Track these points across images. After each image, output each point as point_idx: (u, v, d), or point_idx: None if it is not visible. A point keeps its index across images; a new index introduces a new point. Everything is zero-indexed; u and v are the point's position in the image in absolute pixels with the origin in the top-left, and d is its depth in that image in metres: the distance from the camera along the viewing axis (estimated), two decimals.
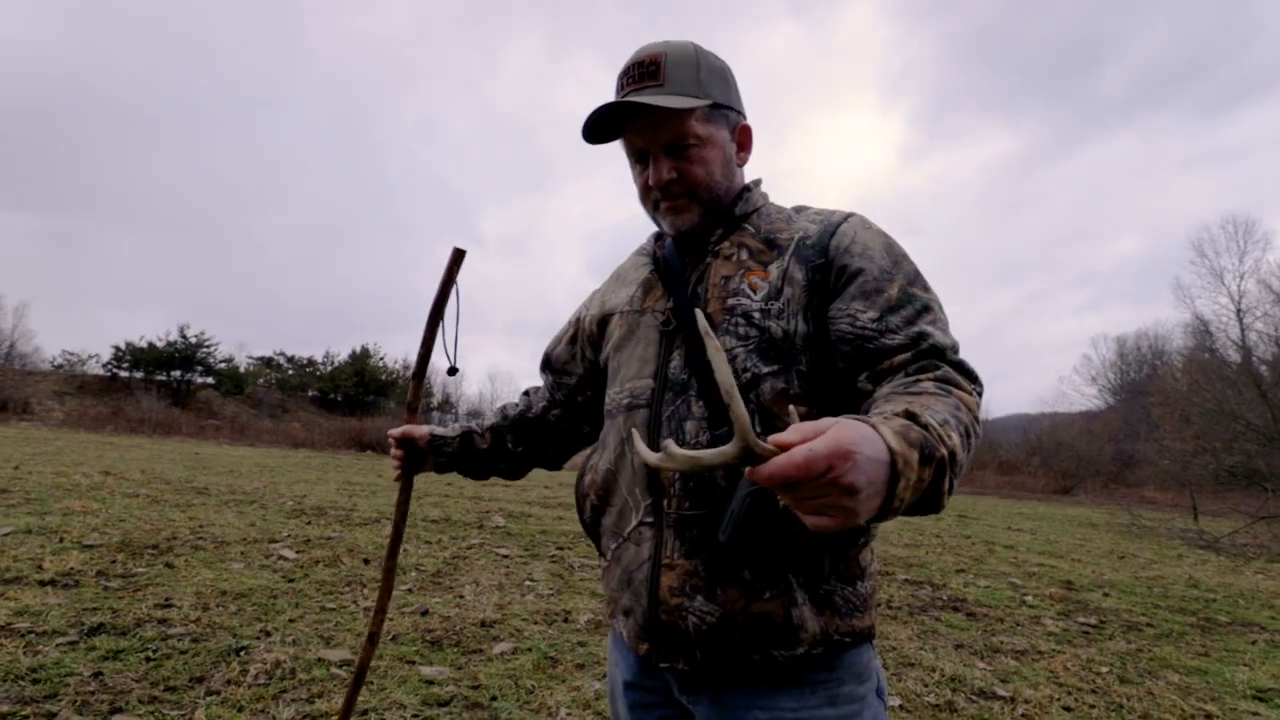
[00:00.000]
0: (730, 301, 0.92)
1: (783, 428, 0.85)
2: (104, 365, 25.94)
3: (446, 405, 32.01)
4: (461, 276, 1.26)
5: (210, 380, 27.40)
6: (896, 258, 0.91)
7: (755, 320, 0.90)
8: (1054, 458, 26.47)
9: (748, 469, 0.54)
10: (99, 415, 20.72)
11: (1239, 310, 18.27)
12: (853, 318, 0.87)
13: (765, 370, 0.89)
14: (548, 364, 1.24)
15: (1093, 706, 2.91)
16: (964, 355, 0.86)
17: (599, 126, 0.94)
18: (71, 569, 3.62)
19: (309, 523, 5.85)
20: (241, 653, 2.73)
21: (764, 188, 1.05)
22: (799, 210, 1.01)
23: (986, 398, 0.85)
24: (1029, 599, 4.98)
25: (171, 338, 26.18)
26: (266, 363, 31.13)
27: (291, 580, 3.90)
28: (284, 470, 10.90)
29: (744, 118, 1.01)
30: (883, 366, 0.84)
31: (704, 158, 0.94)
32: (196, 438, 18.96)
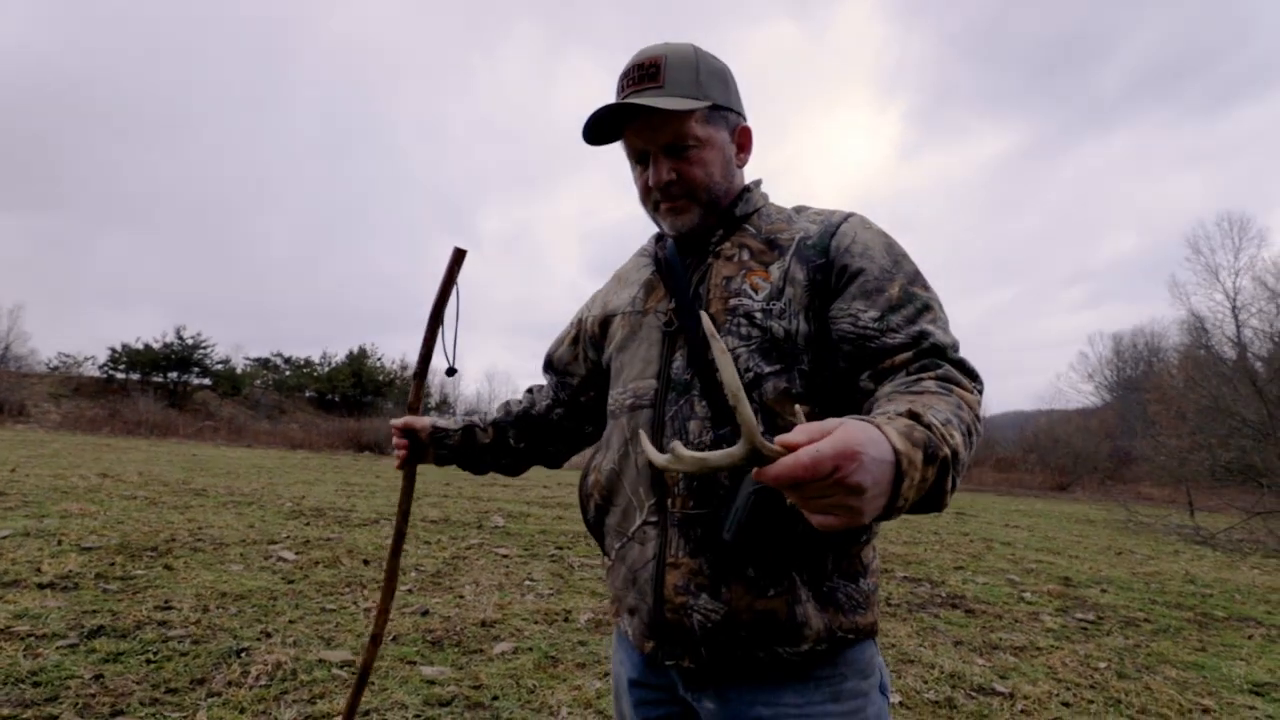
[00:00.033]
0: (732, 302, 0.92)
1: (785, 426, 0.86)
2: (100, 367, 25.84)
3: (444, 405, 31.97)
4: (460, 276, 1.26)
5: (207, 382, 27.31)
6: (897, 257, 0.91)
7: (757, 320, 0.90)
8: (1051, 455, 26.54)
9: (755, 469, 0.55)
10: (95, 417, 20.65)
11: (1234, 307, 18.37)
12: (854, 317, 0.87)
13: (767, 370, 0.89)
14: (550, 365, 1.25)
15: (1091, 702, 2.93)
16: (964, 353, 0.87)
17: (599, 128, 0.95)
18: (70, 571, 3.62)
19: (308, 524, 5.85)
20: (242, 654, 2.73)
21: (761, 186, 1.06)
22: (799, 210, 1.02)
23: (984, 395, 0.86)
24: (1027, 595, 5.00)
25: (168, 339, 26.09)
26: (263, 364, 31.06)
27: (291, 581, 3.90)
28: (282, 471, 10.89)
29: (744, 119, 1.01)
30: (884, 365, 0.85)
31: (703, 159, 0.95)
32: (194, 439, 18.91)
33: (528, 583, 4.37)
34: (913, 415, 0.67)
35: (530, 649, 3.09)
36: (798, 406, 0.59)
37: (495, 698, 2.55)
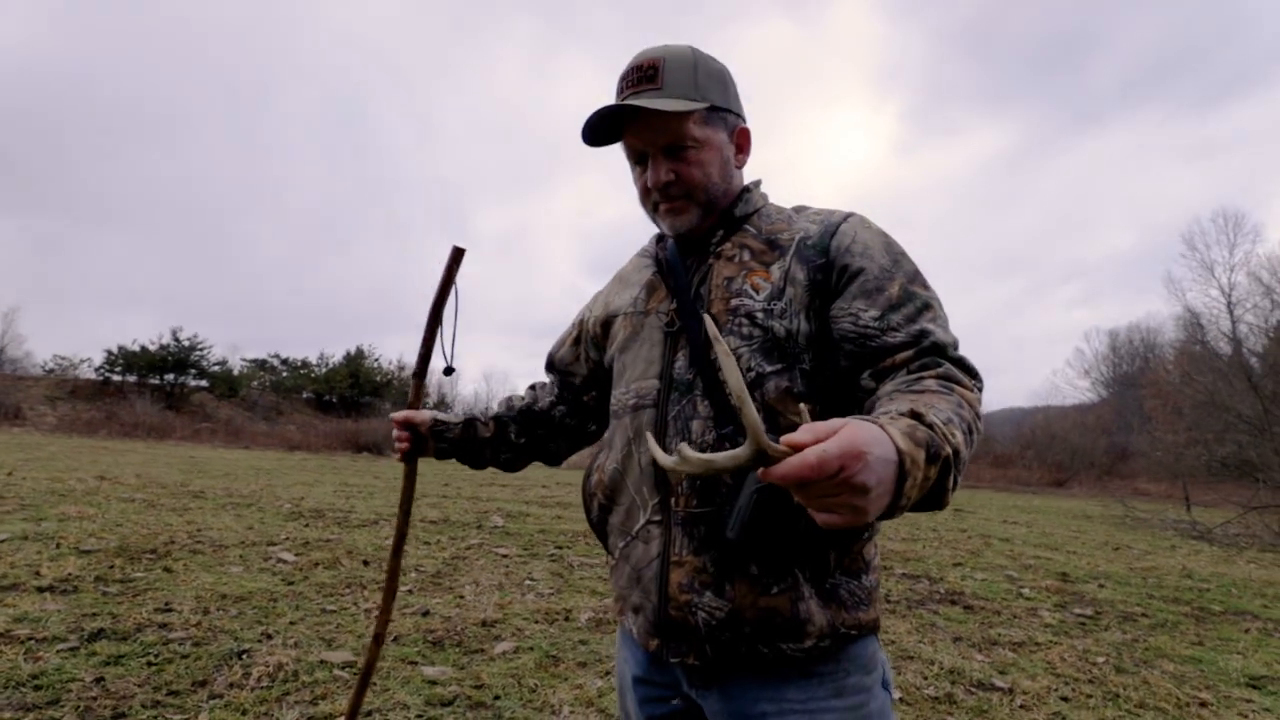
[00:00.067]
0: (734, 302, 0.93)
1: (787, 425, 0.87)
2: (96, 369, 25.73)
3: (442, 406, 31.95)
4: (458, 275, 1.26)
5: (204, 383, 27.21)
6: (896, 256, 0.92)
7: (759, 320, 0.91)
8: (1048, 451, 26.63)
9: (760, 469, 0.56)
10: (92, 420, 20.59)
11: (1229, 302, 18.49)
12: (855, 316, 0.88)
13: (769, 369, 0.90)
14: (551, 365, 1.25)
15: (1089, 696, 2.94)
16: (963, 351, 0.88)
17: (598, 130, 0.96)
18: (69, 575, 3.61)
19: (307, 525, 5.84)
20: (243, 656, 2.73)
21: (761, 187, 1.06)
22: (799, 210, 1.02)
23: (983, 393, 0.87)
24: (1025, 591, 5.03)
25: (164, 341, 25.98)
26: (260, 365, 30.97)
27: (291, 583, 3.90)
28: (280, 473, 10.87)
29: (743, 120, 1.02)
30: (885, 364, 0.86)
31: (701, 160, 0.95)
32: (191, 441, 18.87)
33: (528, 582, 4.37)
34: (915, 415, 0.67)
35: (531, 648, 3.10)
36: (803, 405, 0.60)
37: (497, 697, 2.55)
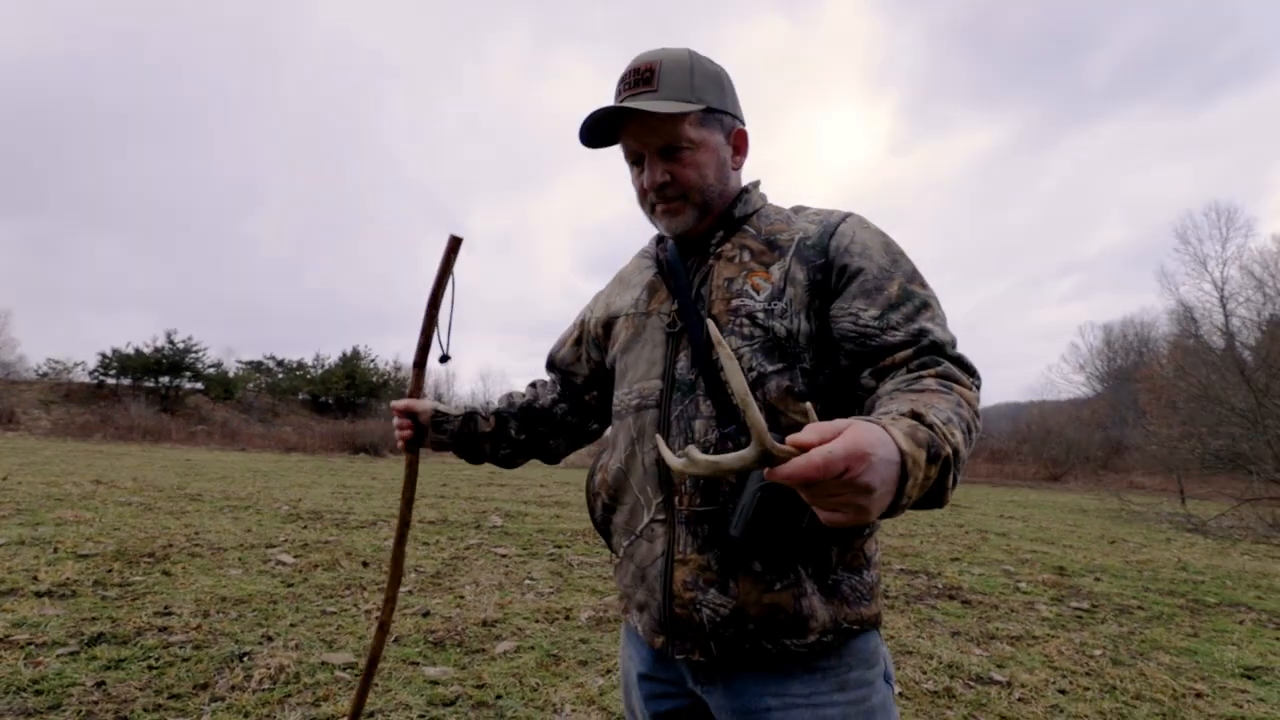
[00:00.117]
0: (735, 303, 0.94)
1: (789, 424, 0.88)
2: (90, 373, 25.60)
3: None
4: (456, 265, 1.26)
5: (199, 386, 27.10)
6: (895, 256, 0.93)
7: (759, 320, 0.92)
8: (1044, 445, 26.72)
9: (766, 469, 0.57)
10: (87, 423, 20.49)
11: (1222, 296, 18.52)
12: (855, 316, 0.89)
13: (770, 369, 0.91)
14: (552, 365, 1.26)
15: (1086, 689, 2.97)
16: (960, 349, 0.89)
17: (596, 132, 0.97)
18: (68, 579, 3.60)
19: (305, 527, 5.84)
20: (244, 658, 2.73)
21: (760, 187, 1.07)
22: (797, 210, 1.03)
23: (981, 390, 0.89)
24: (1022, 585, 5.06)
25: (159, 343, 25.89)
26: (256, 367, 30.86)
27: (291, 585, 3.90)
28: (277, 475, 10.84)
29: (740, 122, 1.03)
30: (885, 363, 0.87)
31: (696, 161, 0.96)
32: (187, 444, 18.79)
33: (527, 582, 4.38)
34: (915, 416, 0.68)
35: (532, 647, 3.11)
36: (809, 405, 0.61)
37: (499, 697, 2.56)
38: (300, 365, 31.11)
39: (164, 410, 23.85)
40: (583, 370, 1.20)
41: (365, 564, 4.54)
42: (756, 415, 0.54)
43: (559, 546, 5.63)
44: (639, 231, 1.18)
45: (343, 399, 29.81)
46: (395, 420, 1.23)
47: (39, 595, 3.33)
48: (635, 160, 1.00)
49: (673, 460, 0.59)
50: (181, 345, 26.24)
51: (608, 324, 1.12)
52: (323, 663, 2.74)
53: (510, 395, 1.28)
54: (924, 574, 5.29)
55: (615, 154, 1.04)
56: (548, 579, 4.48)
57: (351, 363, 30.36)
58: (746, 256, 0.97)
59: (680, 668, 0.97)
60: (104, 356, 25.37)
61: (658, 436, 0.63)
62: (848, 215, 0.98)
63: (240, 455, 16.00)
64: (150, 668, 2.58)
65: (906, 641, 3.49)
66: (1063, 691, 2.93)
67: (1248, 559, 7.14)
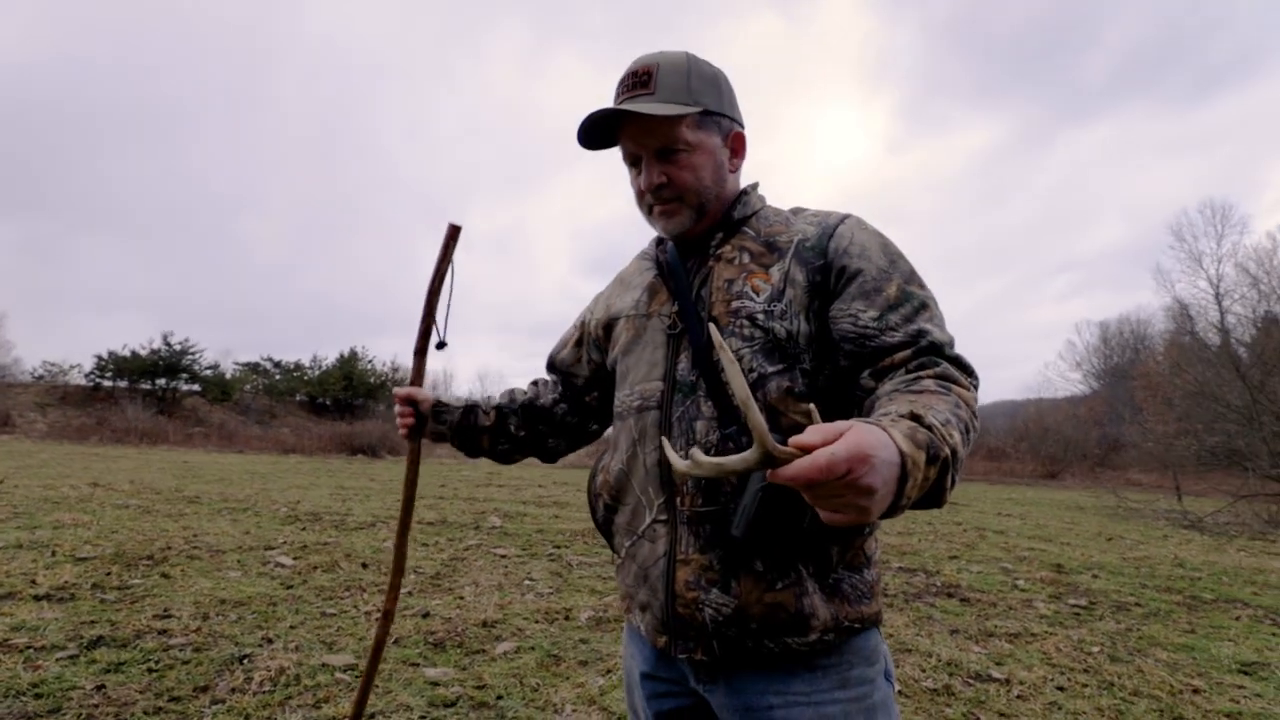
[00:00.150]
0: (735, 304, 0.95)
1: (789, 424, 0.89)
2: (86, 375, 25.49)
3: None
4: (454, 255, 1.26)
5: (196, 388, 27.02)
6: (893, 257, 0.94)
7: (759, 321, 0.93)
8: (1041, 443, 26.79)
9: (769, 470, 0.57)
10: (83, 426, 20.42)
11: (1218, 293, 18.57)
12: (854, 317, 0.90)
13: (771, 370, 0.92)
14: (553, 366, 1.26)
15: (1085, 685, 2.98)
16: (958, 349, 0.90)
17: (594, 133, 0.98)
18: (66, 582, 3.60)
19: (304, 529, 5.83)
20: (244, 661, 2.73)
21: (759, 189, 1.08)
22: (796, 212, 1.04)
23: (979, 389, 0.89)
24: (1020, 583, 5.07)
25: (155, 345, 25.79)
26: (253, 368, 30.77)
27: (290, 587, 3.90)
28: (275, 476, 10.82)
29: (739, 125, 1.03)
30: (884, 364, 0.88)
31: (693, 163, 0.97)
32: (184, 446, 18.74)
33: (527, 582, 4.38)
34: (914, 417, 0.69)
35: (532, 648, 3.11)
36: (810, 406, 0.62)
37: (500, 697, 2.56)
38: (297, 366, 31.05)
39: (161, 412, 23.77)
40: (583, 371, 1.21)
41: (364, 565, 4.54)
42: (758, 417, 0.55)
43: (558, 547, 5.64)
44: (638, 232, 1.18)
45: (340, 400, 29.76)
46: (397, 408, 1.23)
47: (38, 599, 3.33)
48: (633, 162, 1.01)
49: (677, 462, 0.60)
50: (178, 347, 26.17)
51: (608, 326, 1.13)
52: (323, 664, 2.74)
53: (512, 391, 1.29)
54: (922, 572, 5.31)
55: (614, 154, 1.05)
56: (547, 579, 4.49)
57: (349, 364, 30.30)
58: (746, 258, 0.98)
59: (683, 667, 0.98)
60: (100, 359, 25.29)
61: (663, 438, 0.64)
62: (846, 216, 0.99)
63: (238, 457, 15.97)
64: (150, 670, 2.58)
65: (905, 639, 3.50)
66: (1061, 688, 2.95)
67: (1244, 555, 7.18)
